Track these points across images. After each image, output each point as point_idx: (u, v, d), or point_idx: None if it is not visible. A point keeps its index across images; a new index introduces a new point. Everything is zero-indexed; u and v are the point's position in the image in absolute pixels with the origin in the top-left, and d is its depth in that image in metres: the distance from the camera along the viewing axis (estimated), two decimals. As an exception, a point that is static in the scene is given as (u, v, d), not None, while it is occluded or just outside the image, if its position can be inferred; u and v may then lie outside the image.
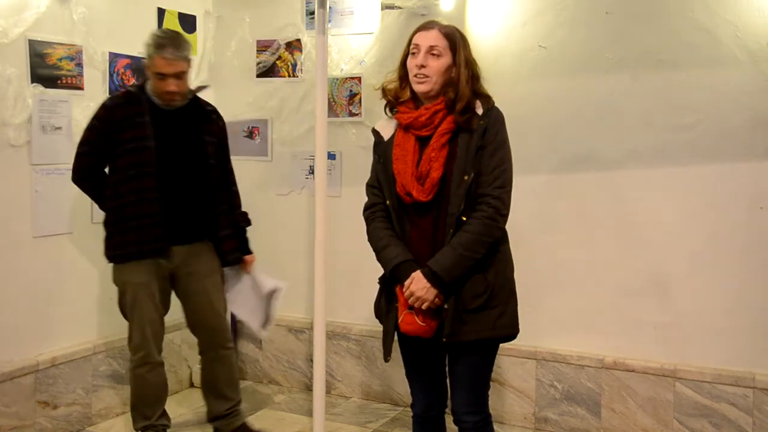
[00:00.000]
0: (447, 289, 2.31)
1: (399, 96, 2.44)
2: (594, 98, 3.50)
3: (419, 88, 2.37)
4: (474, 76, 2.39)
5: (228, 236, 3.37)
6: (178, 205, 3.21)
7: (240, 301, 3.50)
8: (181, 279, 3.32)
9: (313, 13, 4.05)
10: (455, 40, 2.38)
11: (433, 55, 2.35)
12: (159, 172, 3.14)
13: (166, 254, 3.21)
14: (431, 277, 2.28)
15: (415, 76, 2.36)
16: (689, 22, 3.29)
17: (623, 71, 3.43)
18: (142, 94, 3.20)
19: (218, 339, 3.41)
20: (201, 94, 3.43)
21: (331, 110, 4.01)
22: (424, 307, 2.31)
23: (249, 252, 3.49)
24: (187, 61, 3.16)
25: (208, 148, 3.29)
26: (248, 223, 3.52)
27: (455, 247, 2.28)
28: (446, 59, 2.36)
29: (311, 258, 3.90)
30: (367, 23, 3.96)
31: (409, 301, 2.33)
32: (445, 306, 2.32)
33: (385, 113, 2.51)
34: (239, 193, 3.50)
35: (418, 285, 2.30)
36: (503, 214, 2.33)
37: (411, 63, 2.38)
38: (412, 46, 2.39)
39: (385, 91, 2.49)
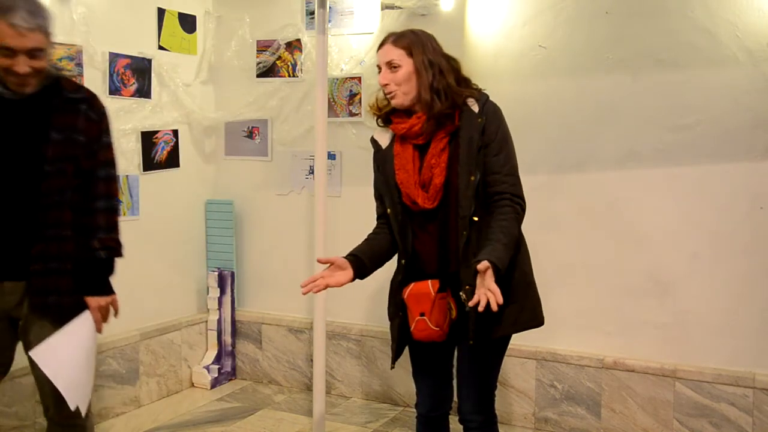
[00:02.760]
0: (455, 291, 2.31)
1: (381, 107, 2.44)
2: (594, 98, 3.50)
3: (393, 103, 2.37)
4: (443, 73, 2.32)
5: (42, 273, 2.35)
6: (6, 226, 2.35)
7: (54, 359, 2.36)
8: (20, 326, 2.44)
9: (313, 13, 4.04)
10: (409, 46, 2.34)
11: (392, 68, 2.33)
12: None
13: None
14: (496, 272, 2.14)
15: (386, 95, 2.37)
16: (689, 22, 3.29)
17: (623, 71, 3.43)
18: None
19: (54, 412, 2.48)
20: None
21: (331, 110, 4.01)
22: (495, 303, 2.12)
23: (99, 292, 2.45)
24: (46, 34, 2.25)
25: (48, 149, 2.33)
26: (111, 251, 2.47)
27: (499, 241, 2.19)
28: (406, 68, 2.32)
29: (311, 258, 3.91)
30: (367, 23, 3.95)
31: (485, 298, 2.10)
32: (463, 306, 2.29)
33: (377, 125, 2.49)
34: (114, 210, 2.51)
35: (491, 281, 2.11)
36: (524, 209, 2.33)
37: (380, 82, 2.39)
38: (377, 68, 2.40)
39: (372, 107, 2.48)
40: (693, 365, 3.39)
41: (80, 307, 2.43)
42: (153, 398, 4.03)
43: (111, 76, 3.72)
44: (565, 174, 3.58)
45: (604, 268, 3.53)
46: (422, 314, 2.31)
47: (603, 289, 3.54)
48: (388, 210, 2.41)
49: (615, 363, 3.52)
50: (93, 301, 2.44)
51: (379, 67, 2.38)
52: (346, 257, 2.35)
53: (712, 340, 3.36)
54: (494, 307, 2.07)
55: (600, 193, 3.52)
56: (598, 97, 3.49)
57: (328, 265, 2.35)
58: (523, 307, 2.36)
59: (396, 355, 2.45)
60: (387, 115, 2.43)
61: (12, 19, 2.15)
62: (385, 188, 2.41)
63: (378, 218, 2.51)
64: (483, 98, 2.35)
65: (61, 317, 2.39)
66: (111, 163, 2.50)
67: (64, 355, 2.37)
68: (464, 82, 2.38)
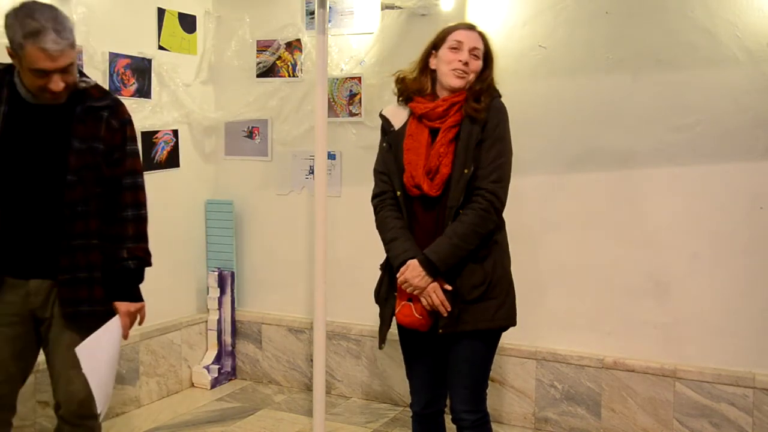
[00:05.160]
0: (448, 280, 2.33)
1: (423, 89, 2.45)
2: (594, 98, 3.50)
3: (457, 82, 2.39)
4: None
5: (71, 282, 2.37)
6: (31, 228, 2.36)
7: (91, 359, 2.40)
8: (43, 324, 2.45)
9: (313, 13, 4.05)
10: (489, 46, 2.46)
11: (474, 55, 2.40)
12: (5, 181, 2.33)
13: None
14: (427, 265, 2.30)
15: (455, 69, 2.38)
16: (689, 22, 3.29)
17: (623, 71, 3.43)
18: (6, 74, 2.36)
19: (65, 410, 2.47)
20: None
21: (331, 110, 4.01)
22: (415, 293, 2.33)
23: (128, 299, 2.48)
24: (74, 47, 2.27)
25: (70, 158, 2.34)
26: (140, 261, 2.49)
27: (450, 236, 2.30)
28: (480, 62, 2.43)
29: (311, 258, 3.90)
30: (367, 23, 3.95)
31: (403, 287, 2.35)
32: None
33: (398, 102, 2.52)
34: (141, 219, 2.51)
35: (413, 273, 2.32)
36: (497, 208, 2.35)
37: (452, 56, 2.40)
38: (453, 42, 2.41)
39: (405, 82, 2.49)
40: (693, 365, 3.39)
41: (111, 316, 2.46)
42: (153, 398, 4.03)
43: (111, 76, 3.72)
44: (565, 174, 3.58)
45: (604, 268, 3.53)
46: (410, 299, 2.37)
47: (603, 289, 3.54)
48: (398, 192, 2.42)
49: (615, 363, 3.52)
50: (122, 306, 2.47)
51: (458, 44, 2.40)
52: (420, 259, 2.33)
53: (712, 340, 3.36)
54: (443, 312, 2.31)
55: (600, 192, 3.52)
56: (598, 97, 3.49)
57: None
58: (503, 303, 2.39)
59: (382, 336, 2.48)
60: (416, 94, 2.46)
61: (43, 43, 2.16)
62: (395, 168, 2.42)
63: (380, 194, 2.49)
64: (491, 96, 2.41)
65: (93, 326, 2.41)
66: (136, 171, 2.51)
67: (98, 355, 2.41)
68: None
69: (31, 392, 3.36)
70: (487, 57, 2.44)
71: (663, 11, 3.34)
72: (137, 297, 2.52)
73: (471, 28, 2.46)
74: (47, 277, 2.39)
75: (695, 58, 3.29)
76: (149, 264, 2.55)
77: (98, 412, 2.44)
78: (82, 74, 2.44)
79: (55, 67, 2.22)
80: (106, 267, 2.45)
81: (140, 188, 2.52)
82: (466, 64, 2.37)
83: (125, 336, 2.51)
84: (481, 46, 2.42)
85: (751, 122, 3.22)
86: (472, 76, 2.39)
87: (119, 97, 3.73)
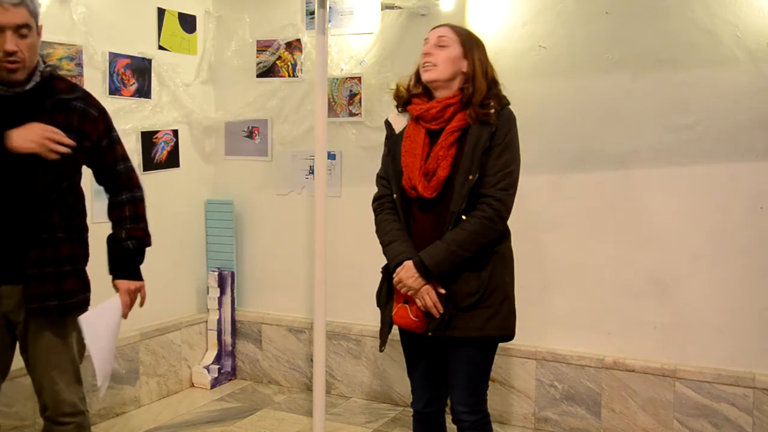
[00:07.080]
0: (444, 284, 2.34)
1: (411, 90, 2.48)
2: (594, 98, 3.50)
3: (425, 76, 2.41)
4: (488, 75, 2.42)
5: (39, 277, 2.34)
6: (1, 229, 2.33)
7: (93, 330, 2.43)
8: (18, 329, 2.43)
9: (313, 13, 4.05)
10: (465, 36, 2.44)
11: (440, 46, 2.40)
12: None
13: None
14: (421, 267, 2.31)
15: (423, 65, 2.41)
16: (689, 22, 3.29)
17: (623, 71, 3.43)
18: None
19: (52, 410, 2.46)
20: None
21: (331, 110, 4.01)
22: (410, 293, 2.35)
23: (127, 277, 2.53)
24: (31, 11, 2.25)
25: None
26: (138, 241, 2.54)
27: (449, 243, 2.31)
28: (454, 50, 2.39)
29: (311, 258, 3.90)
30: (367, 23, 3.96)
31: (398, 288, 2.37)
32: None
33: (397, 109, 2.54)
34: (137, 200, 2.57)
35: (407, 273, 2.33)
36: (502, 217, 2.35)
37: (421, 55, 2.43)
38: (424, 41, 2.45)
39: (399, 90, 2.52)
40: (693, 365, 3.39)
41: (86, 308, 2.48)
42: (153, 398, 4.03)
43: (111, 76, 3.72)
44: (565, 174, 3.58)
45: (604, 268, 3.53)
46: (406, 302, 2.39)
47: (603, 289, 3.54)
48: (395, 195, 2.43)
49: (615, 363, 3.52)
50: (122, 284, 2.53)
51: (425, 41, 2.43)
52: (415, 260, 2.34)
53: (712, 340, 3.36)
54: (435, 314, 2.33)
55: (600, 193, 3.52)
56: (598, 97, 3.49)
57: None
58: (496, 313, 2.37)
59: (383, 338, 2.49)
60: (409, 98, 2.48)
61: None
62: (393, 170, 2.44)
63: (379, 198, 2.52)
64: (502, 104, 2.41)
65: (65, 318, 2.41)
66: (126, 156, 2.57)
67: (100, 327, 2.45)
68: (496, 89, 2.44)
69: (31, 392, 3.34)
70: (466, 46, 2.41)
71: (663, 11, 3.34)
72: (137, 276, 2.56)
73: (442, 25, 2.48)
74: (19, 281, 2.35)
75: (695, 58, 3.29)
76: (148, 244, 2.59)
77: (98, 384, 2.45)
78: (44, 61, 2.40)
79: (7, 21, 2.18)
80: (109, 249, 2.53)
81: (132, 171, 2.58)
82: (429, 54, 2.39)
83: (124, 315, 2.54)
84: (448, 35, 2.41)
85: (751, 122, 3.22)
86: (442, 66, 2.38)
87: (119, 97, 3.78)
